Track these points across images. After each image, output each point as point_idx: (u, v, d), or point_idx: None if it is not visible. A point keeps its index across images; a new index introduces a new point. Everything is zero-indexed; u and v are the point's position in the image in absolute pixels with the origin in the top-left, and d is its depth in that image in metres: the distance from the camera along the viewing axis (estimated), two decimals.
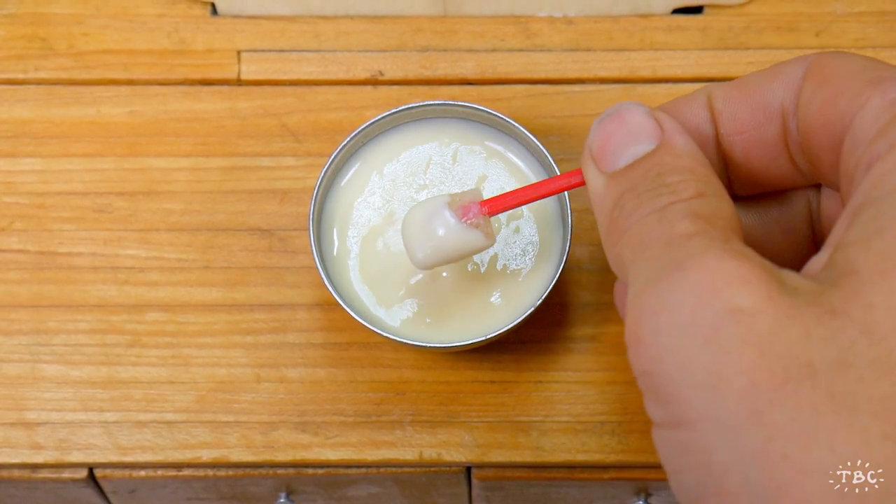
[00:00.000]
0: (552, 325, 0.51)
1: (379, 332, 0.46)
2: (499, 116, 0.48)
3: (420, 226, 0.43)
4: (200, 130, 0.54)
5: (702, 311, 0.31)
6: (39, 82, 0.55)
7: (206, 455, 0.49)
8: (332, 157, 0.48)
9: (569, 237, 0.47)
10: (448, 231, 0.43)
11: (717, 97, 0.39)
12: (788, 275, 0.32)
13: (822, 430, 0.29)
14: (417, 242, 0.43)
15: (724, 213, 0.35)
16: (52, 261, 0.52)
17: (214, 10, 0.56)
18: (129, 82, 0.55)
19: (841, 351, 0.30)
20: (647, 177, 0.36)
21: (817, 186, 0.40)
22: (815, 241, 0.41)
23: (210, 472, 0.50)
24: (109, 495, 0.53)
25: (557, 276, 0.46)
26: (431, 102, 0.48)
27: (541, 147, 0.47)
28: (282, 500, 0.53)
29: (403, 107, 0.48)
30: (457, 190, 0.48)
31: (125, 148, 0.54)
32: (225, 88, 0.55)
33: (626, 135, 0.37)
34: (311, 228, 0.46)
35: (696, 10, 0.57)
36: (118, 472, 0.50)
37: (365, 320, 0.46)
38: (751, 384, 0.30)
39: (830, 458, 0.29)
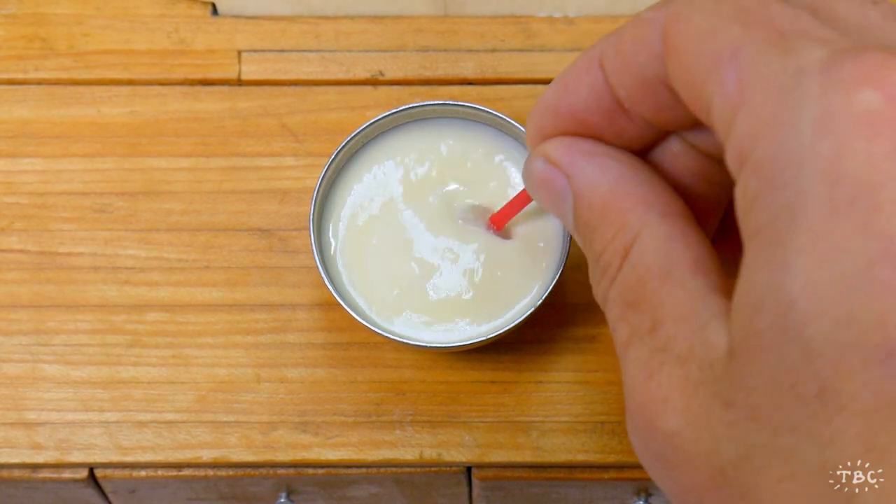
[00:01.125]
0: (552, 325, 0.51)
1: (379, 331, 0.46)
2: (499, 116, 0.48)
3: None
4: (201, 130, 0.54)
5: (650, 445, 0.33)
6: (40, 82, 0.55)
7: (206, 455, 0.49)
8: (333, 156, 0.48)
9: (569, 238, 0.47)
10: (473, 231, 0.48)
11: (608, 70, 0.38)
12: (716, 343, 0.33)
13: None
14: None
15: (651, 259, 0.35)
16: (52, 261, 0.52)
17: (215, 10, 0.56)
18: (130, 82, 0.55)
19: (738, 446, 0.31)
20: (585, 244, 0.37)
21: None
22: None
23: (210, 472, 0.50)
24: (110, 495, 0.53)
25: (557, 276, 0.46)
26: (431, 102, 0.48)
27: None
28: (282, 501, 0.53)
29: (404, 107, 0.48)
30: (454, 186, 0.48)
31: (125, 148, 0.54)
32: (225, 88, 0.55)
33: (552, 201, 0.38)
34: (311, 228, 0.46)
35: None
36: (118, 472, 0.50)
37: (365, 320, 0.46)
38: (700, 502, 0.32)
39: None
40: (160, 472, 0.50)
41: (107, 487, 0.52)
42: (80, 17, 0.56)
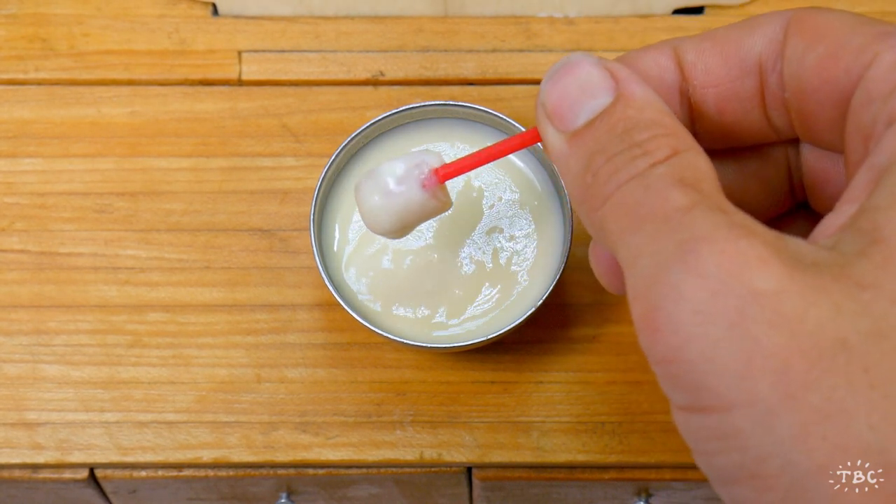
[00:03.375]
0: (552, 326, 0.51)
1: (380, 332, 0.46)
2: (499, 116, 0.48)
3: (368, 191, 0.41)
4: (201, 131, 0.54)
5: (723, 297, 0.30)
6: (40, 83, 0.55)
7: (206, 455, 0.49)
8: (334, 157, 0.48)
9: (569, 238, 0.47)
10: (394, 194, 0.41)
11: (688, 49, 0.38)
12: (801, 246, 0.32)
13: (860, 405, 0.29)
14: (366, 207, 0.41)
15: (705, 171, 0.34)
16: (52, 261, 0.52)
17: (215, 11, 0.56)
18: (130, 83, 0.55)
19: (874, 322, 0.29)
20: (612, 135, 0.35)
21: (792, 142, 0.39)
22: (792, 194, 0.40)
23: (211, 473, 0.50)
24: (110, 495, 0.53)
25: (558, 276, 0.46)
26: (432, 103, 0.48)
27: (540, 147, 0.47)
28: (282, 501, 0.53)
29: (404, 107, 0.48)
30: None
31: (126, 148, 0.54)
32: (226, 89, 0.55)
33: (580, 89, 0.36)
34: (312, 229, 0.46)
35: (697, 10, 0.57)
36: (119, 473, 0.50)
37: (365, 320, 0.46)
38: (783, 368, 0.29)
39: (869, 433, 0.29)
40: (160, 473, 0.50)
41: (107, 488, 0.52)
42: (80, 18, 0.56)
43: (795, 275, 0.30)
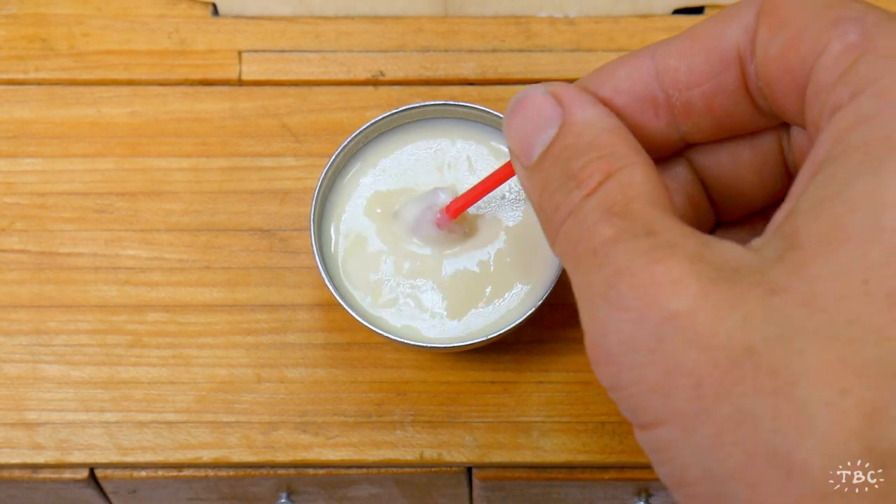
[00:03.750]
0: (553, 326, 0.51)
1: (379, 332, 0.46)
2: (499, 116, 0.48)
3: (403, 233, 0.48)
4: (201, 131, 0.54)
5: (642, 326, 0.32)
6: (40, 83, 0.55)
7: (206, 455, 0.49)
8: (333, 157, 0.48)
9: None
10: (431, 241, 0.48)
11: (668, 53, 0.38)
12: (727, 252, 0.32)
13: (766, 410, 0.30)
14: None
15: (640, 187, 0.34)
16: (52, 261, 0.52)
17: (215, 11, 0.57)
18: (130, 83, 0.55)
19: (780, 327, 0.30)
20: (555, 168, 0.36)
21: (785, 124, 0.40)
22: (789, 175, 0.40)
23: (211, 473, 0.50)
24: (110, 496, 0.53)
25: (557, 277, 0.46)
26: (432, 103, 0.48)
27: None
28: (282, 501, 0.53)
29: (404, 107, 0.48)
30: (459, 188, 0.48)
31: (126, 148, 0.54)
32: (226, 89, 0.55)
33: (532, 123, 0.37)
34: (311, 229, 0.46)
35: (697, 10, 0.57)
36: (119, 473, 0.50)
37: (365, 320, 0.46)
38: (697, 383, 0.31)
39: (774, 437, 0.30)
40: (160, 473, 0.50)
41: (107, 488, 0.52)
42: (80, 18, 0.56)
43: (710, 289, 0.31)
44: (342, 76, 0.55)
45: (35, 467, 0.50)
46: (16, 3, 0.56)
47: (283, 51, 0.56)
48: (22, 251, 0.52)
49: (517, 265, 0.48)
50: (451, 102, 0.48)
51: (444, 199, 0.47)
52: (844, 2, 0.34)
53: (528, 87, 0.38)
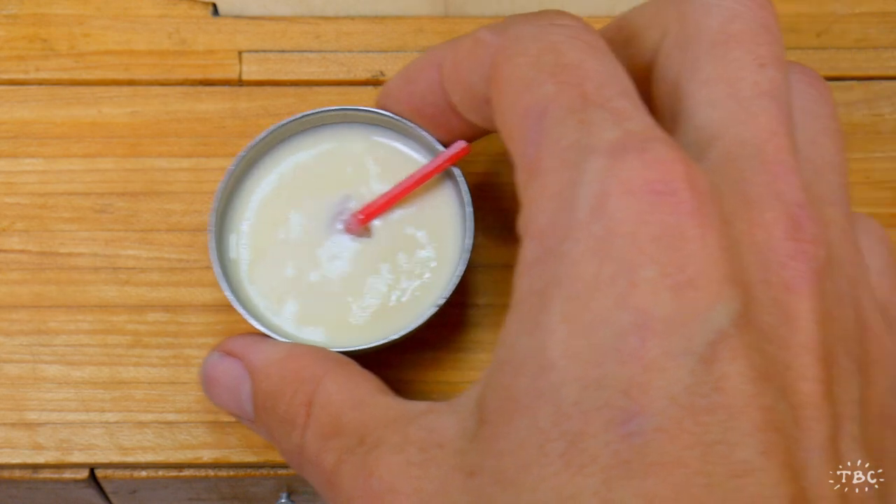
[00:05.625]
0: None
1: (278, 337, 0.45)
2: (402, 121, 0.47)
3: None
4: (201, 131, 0.54)
5: None
6: (40, 83, 0.55)
7: (207, 455, 0.49)
8: (233, 165, 0.47)
9: (471, 232, 0.46)
10: (340, 246, 0.48)
11: (445, 77, 0.42)
12: (433, 424, 0.35)
13: None
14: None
15: (337, 397, 0.38)
16: (53, 261, 0.52)
17: (216, 11, 0.57)
18: (131, 83, 0.55)
19: None
20: (270, 415, 0.39)
21: None
22: None
23: (211, 473, 0.50)
24: (111, 496, 0.53)
25: (461, 273, 0.46)
26: (329, 109, 0.48)
27: (438, 145, 0.47)
28: (282, 501, 0.53)
29: (299, 115, 0.48)
30: (364, 190, 0.48)
31: (126, 148, 0.54)
32: (226, 89, 0.55)
33: (228, 392, 0.42)
34: (211, 236, 0.46)
35: None
36: (119, 473, 0.50)
37: (264, 325, 0.45)
38: None
39: None
40: (161, 473, 0.50)
41: (107, 488, 0.52)
42: (80, 18, 0.56)
43: (423, 488, 0.33)
44: (342, 76, 0.55)
45: (35, 467, 0.50)
46: (16, 3, 0.56)
47: (283, 51, 0.56)
48: (22, 251, 0.52)
49: (422, 271, 0.47)
50: (349, 107, 0.48)
51: (354, 204, 0.47)
52: (544, 77, 0.35)
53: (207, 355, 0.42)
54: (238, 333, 0.45)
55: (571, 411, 0.30)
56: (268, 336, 0.44)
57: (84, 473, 0.50)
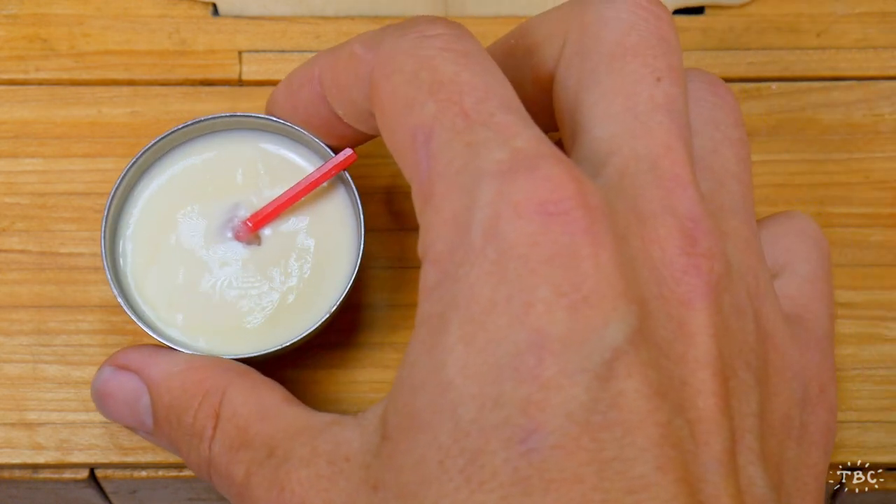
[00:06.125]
0: None
1: (161, 339, 0.45)
2: (295, 128, 0.47)
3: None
4: None
5: None
6: (41, 83, 0.55)
7: None
8: (124, 173, 0.47)
9: (362, 235, 0.46)
10: (230, 252, 0.47)
11: (326, 91, 0.42)
12: (339, 437, 0.35)
13: None
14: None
15: (242, 408, 0.38)
16: (53, 261, 0.52)
17: (216, 11, 0.57)
18: (131, 83, 0.55)
19: None
20: (174, 428, 0.39)
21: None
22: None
23: None
24: (111, 496, 0.53)
25: (354, 275, 0.46)
26: (220, 115, 0.48)
27: (329, 151, 0.46)
28: None
29: (191, 121, 0.48)
30: (254, 198, 0.48)
31: (126, 148, 0.54)
32: (226, 89, 0.55)
33: (125, 406, 0.42)
34: (103, 245, 0.46)
35: (698, 10, 0.57)
36: (119, 473, 0.50)
37: (156, 333, 0.45)
38: None
39: None
40: (161, 473, 0.50)
41: (107, 488, 0.52)
42: (80, 18, 0.56)
43: (333, 500, 0.34)
44: None
45: (35, 467, 0.50)
46: (16, 3, 0.56)
47: (283, 51, 0.56)
48: (22, 251, 0.52)
49: (315, 275, 0.47)
50: (241, 114, 0.48)
51: (244, 212, 0.47)
52: (424, 96, 0.35)
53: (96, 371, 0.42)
54: (130, 345, 0.46)
55: (470, 429, 0.31)
56: (163, 347, 0.44)
57: (84, 473, 0.50)
